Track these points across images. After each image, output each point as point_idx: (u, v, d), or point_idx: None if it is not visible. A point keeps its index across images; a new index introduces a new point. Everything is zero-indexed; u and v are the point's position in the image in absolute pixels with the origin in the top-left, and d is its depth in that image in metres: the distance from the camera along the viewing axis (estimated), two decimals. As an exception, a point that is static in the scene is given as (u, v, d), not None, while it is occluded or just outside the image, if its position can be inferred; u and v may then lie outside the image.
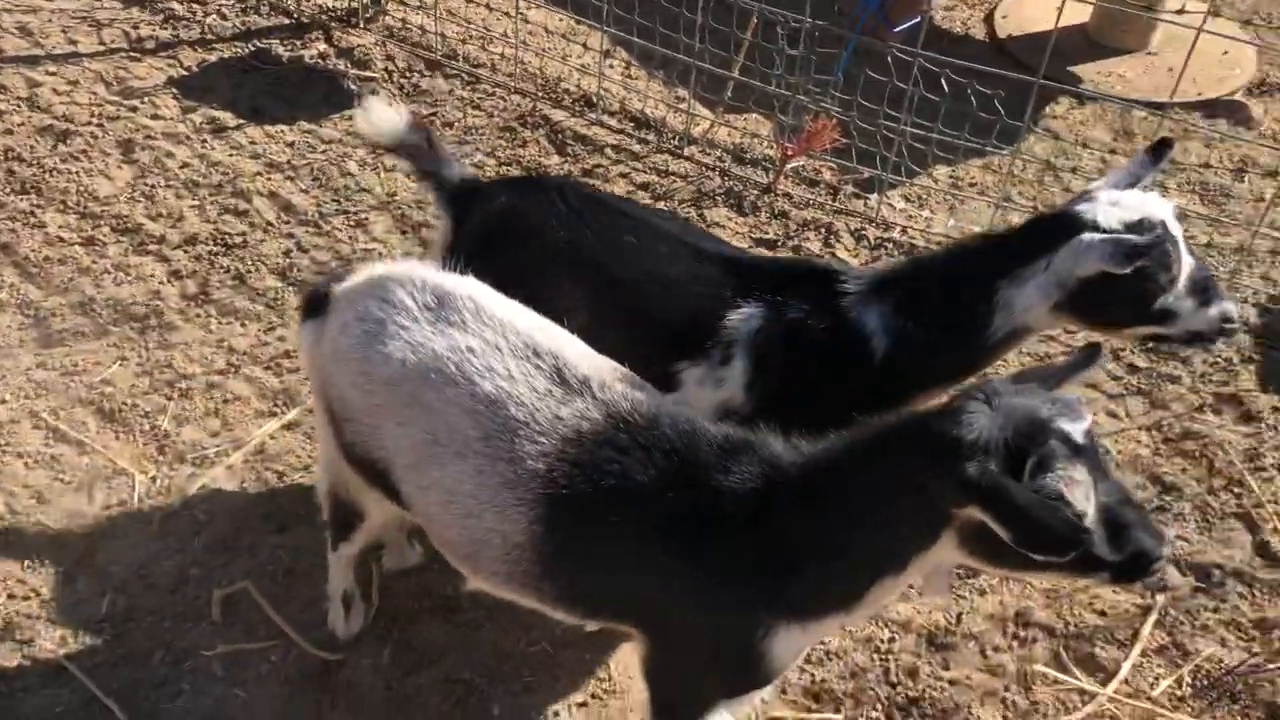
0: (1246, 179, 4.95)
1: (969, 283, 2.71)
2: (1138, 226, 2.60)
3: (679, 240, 2.86)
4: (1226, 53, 5.66)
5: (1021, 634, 3.22)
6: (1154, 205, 2.66)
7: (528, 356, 2.27)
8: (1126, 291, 2.63)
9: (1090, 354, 2.14)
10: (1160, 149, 2.85)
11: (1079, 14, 5.85)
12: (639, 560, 2.22)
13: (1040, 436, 1.87)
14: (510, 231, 2.91)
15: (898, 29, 4.18)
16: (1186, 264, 2.67)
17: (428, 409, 2.28)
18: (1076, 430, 1.91)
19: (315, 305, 2.50)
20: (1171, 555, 2.12)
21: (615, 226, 2.85)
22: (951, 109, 4.31)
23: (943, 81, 4.25)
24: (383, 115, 2.95)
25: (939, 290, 2.73)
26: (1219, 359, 4.08)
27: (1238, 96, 5.50)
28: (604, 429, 2.21)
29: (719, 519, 2.14)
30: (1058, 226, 2.67)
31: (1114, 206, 2.65)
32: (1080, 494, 1.87)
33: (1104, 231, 2.60)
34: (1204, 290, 2.70)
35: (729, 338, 2.73)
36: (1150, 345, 4.08)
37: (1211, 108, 5.44)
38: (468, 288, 2.38)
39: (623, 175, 4.69)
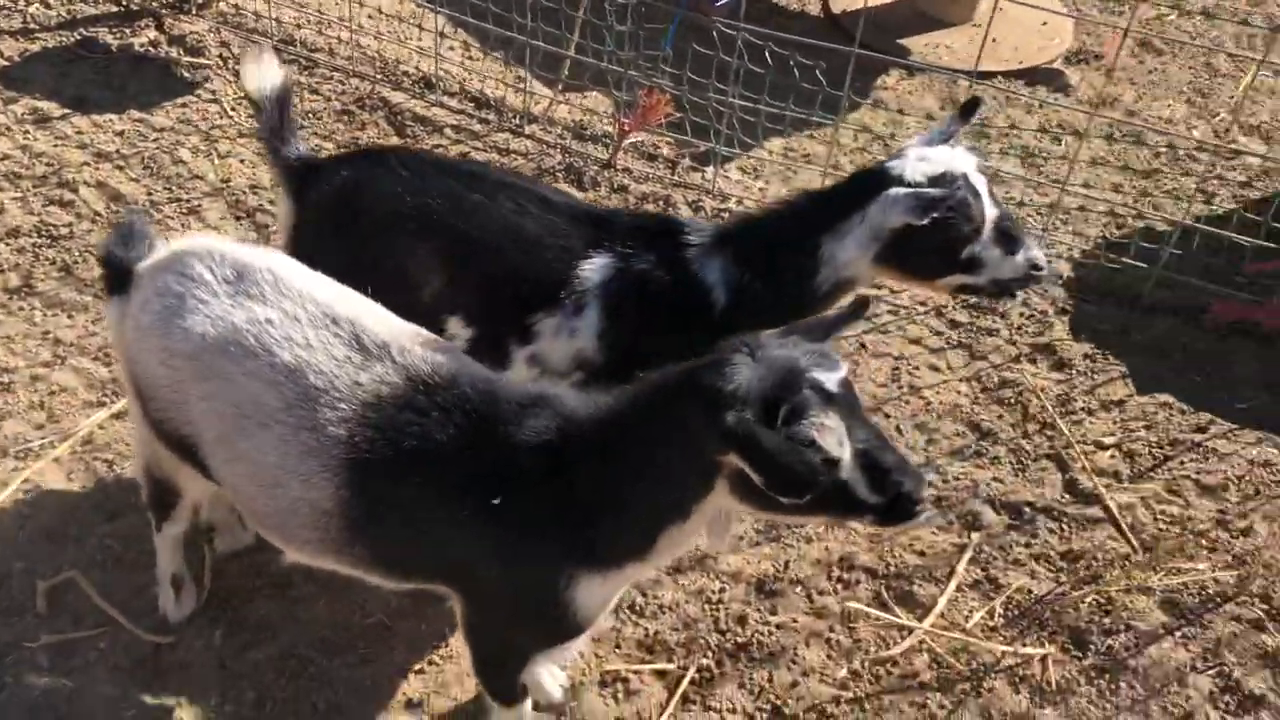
0: (1062, 142, 5.20)
1: (796, 238, 2.85)
2: (940, 180, 2.76)
3: (526, 194, 2.92)
4: (1045, 24, 5.95)
5: (845, 577, 3.37)
6: (957, 159, 2.81)
7: (326, 325, 2.30)
8: (932, 241, 2.78)
9: (856, 308, 2.24)
10: (969, 108, 3.03)
11: (908, -11, 6.08)
12: (443, 519, 2.26)
13: (794, 385, 1.96)
14: (355, 205, 2.93)
15: (719, 3, 4.29)
16: (990, 214, 2.83)
17: (230, 381, 2.29)
18: (830, 380, 2.00)
19: (119, 282, 2.48)
20: (931, 495, 2.23)
21: (460, 187, 2.89)
22: (777, 81, 4.45)
23: (767, 55, 4.39)
24: (270, 68, 2.95)
25: (770, 245, 2.87)
26: (1034, 312, 4.31)
27: (1056, 65, 5.78)
28: (404, 392, 2.25)
29: (517, 474, 2.20)
30: (870, 182, 2.82)
31: (920, 162, 2.81)
32: (832, 439, 1.96)
33: (909, 185, 2.75)
34: (1009, 239, 2.86)
35: (581, 288, 2.82)
36: (972, 300, 4.28)
37: (1032, 75, 5.70)
38: (266, 260, 2.40)
39: (463, 154, 4.72)
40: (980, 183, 2.80)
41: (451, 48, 5.26)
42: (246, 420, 2.29)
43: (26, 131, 4.52)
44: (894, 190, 2.72)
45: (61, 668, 2.93)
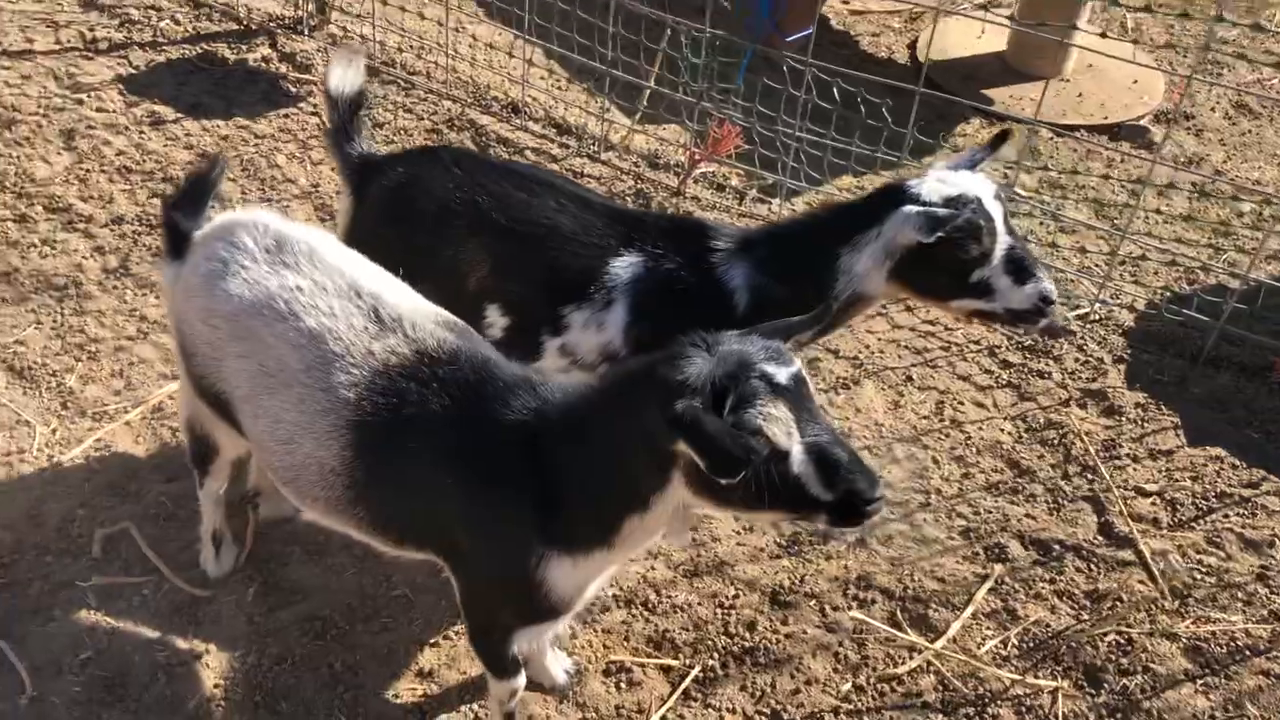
0: (1141, 197, 5.16)
1: (817, 248, 2.94)
2: (954, 201, 2.82)
3: (567, 194, 3.08)
4: (1136, 82, 5.92)
5: (861, 596, 3.39)
6: (975, 184, 2.87)
7: (350, 296, 2.47)
8: (941, 261, 2.85)
9: (817, 314, 2.28)
10: (997, 140, 3.10)
11: (998, 42, 6.12)
12: (433, 486, 2.39)
13: (743, 376, 2.02)
14: (410, 199, 3.12)
15: (790, 39, 4.41)
16: (1002, 241, 2.88)
17: (261, 342, 2.48)
18: (781, 373, 2.05)
19: (176, 247, 2.71)
20: (886, 496, 2.22)
21: (506, 185, 3.07)
22: (845, 117, 4.55)
23: (835, 91, 4.50)
24: (354, 72, 3.18)
25: (792, 253, 2.96)
26: (1090, 358, 4.28)
27: (1143, 122, 5.74)
28: (410, 363, 2.40)
29: (498, 450, 2.31)
30: (888, 198, 2.90)
31: (938, 183, 2.88)
32: (779, 429, 2.01)
33: (924, 204, 2.82)
34: (1020, 269, 2.90)
35: (611, 283, 2.94)
36: (1027, 340, 4.29)
37: (1116, 131, 5.68)
38: (305, 234, 2.59)
39: (539, 175, 4.92)
40: (995, 210, 2.85)
41: (541, 77, 5.50)
42: (271, 379, 2.47)
43: (142, 132, 4.90)
44: (908, 208, 2.80)
45: (107, 607, 3.15)
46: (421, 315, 2.49)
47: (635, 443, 2.13)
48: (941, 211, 2.78)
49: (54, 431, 3.62)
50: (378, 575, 3.29)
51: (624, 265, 2.96)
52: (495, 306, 3.08)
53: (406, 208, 3.13)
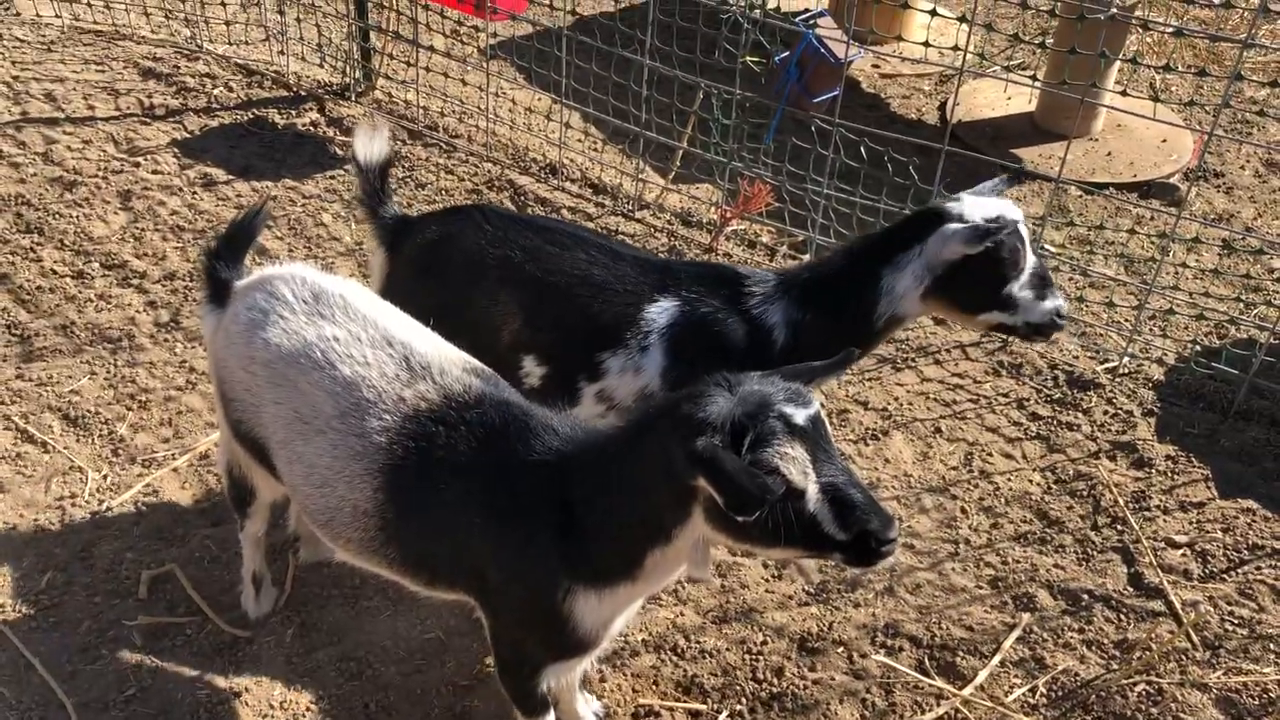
0: (1170, 252, 5.21)
1: (858, 273, 3.10)
2: (994, 220, 2.99)
3: (597, 246, 3.21)
4: (1165, 140, 6.00)
5: (889, 643, 3.41)
6: (1008, 208, 3.06)
7: (383, 346, 2.59)
8: (980, 274, 3.03)
9: (842, 359, 2.36)
10: (1013, 178, 3.35)
11: (1026, 103, 6.23)
12: (461, 525, 2.47)
13: (761, 416, 2.08)
14: (444, 255, 3.25)
15: (817, 100, 4.54)
16: (1030, 260, 3.06)
17: (297, 389, 2.60)
18: (799, 414, 2.11)
19: (217, 295, 2.84)
20: (900, 538, 2.26)
21: (537, 238, 3.20)
22: (872, 175, 4.66)
23: (862, 150, 4.61)
24: (379, 141, 3.34)
25: (834, 282, 3.11)
26: (1120, 411, 4.31)
27: (1172, 180, 5.80)
28: (438, 408, 2.50)
29: (523, 489, 2.40)
30: (929, 218, 3.07)
31: (976, 204, 3.05)
32: (795, 468, 2.07)
33: (964, 222, 3.00)
34: (1042, 285, 3.10)
35: (646, 329, 3.07)
36: (1056, 395, 4.33)
37: (1145, 189, 5.74)
38: (340, 286, 2.72)
39: (575, 233, 5.06)
40: (1025, 232, 3.02)
41: (578, 139, 5.68)
42: (307, 425, 2.58)
43: (195, 192, 5.11)
44: (952, 225, 2.99)
45: (152, 647, 3.25)
46: (449, 362, 2.60)
47: (658, 477, 2.19)
48: (990, 224, 2.95)
49: (105, 477, 3.76)
50: (411, 618, 3.37)
51: (659, 310, 3.08)
52: (531, 357, 3.19)
53: (441, 263, 3.25)
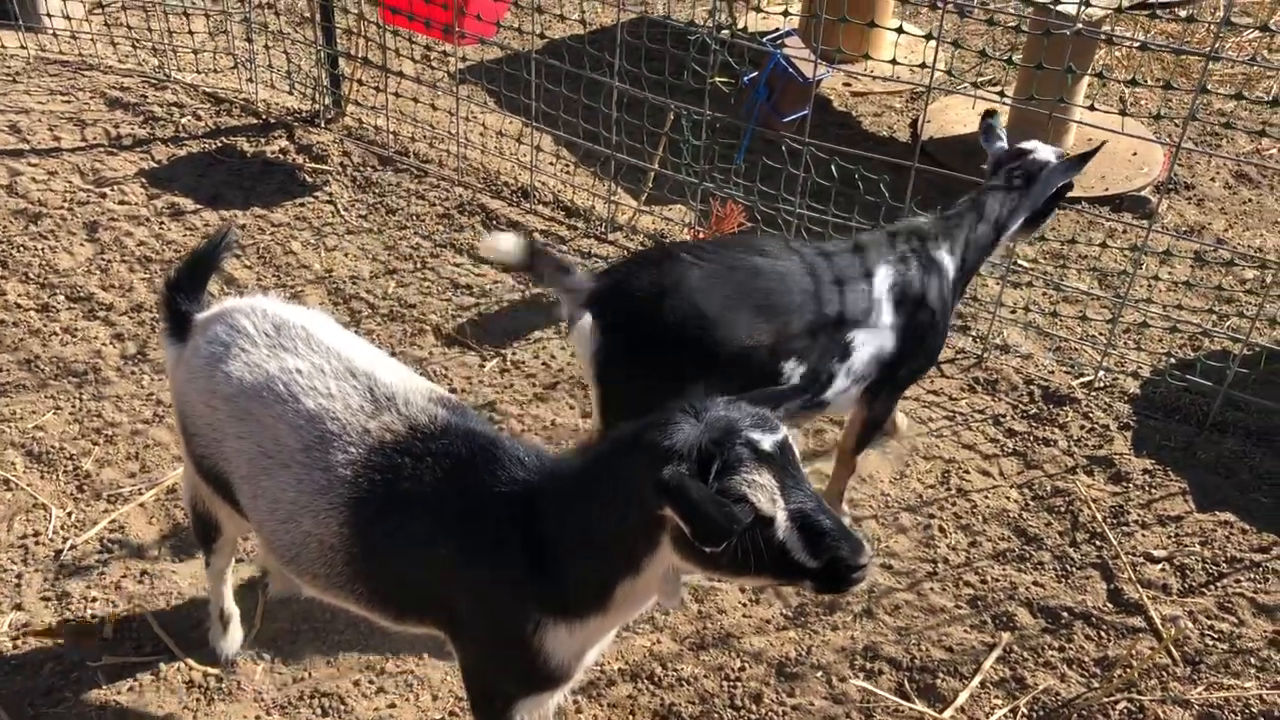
0: (1143, 264, 5.21)
1: (991, 216, 3.67)
2: (1061, 156, 3.74)
3: (799, 250, 3.41)
4: (1135, 153, 6.02)
5: (869, 666, 3.38)
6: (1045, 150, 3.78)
7: (346, 377, 2.54)
8: (1063, 190, 3.74)
9: (805, 384, 2.31)
10: (988, 114, 3.97)
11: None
12: (429, 558, 2.42)
13: (728, 443, 2.03)
14: (683, 301, 3.14)
15: (786, 119, 4.54)
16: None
17: (260, 423, 2.55)
18: (767, 440, 2.06)
19: (178, 328, 2.80)
20: (872, 562, 2.22)
21: (750, 257, 3.31)
22: (843, 193, 4.65)
23: (833, 168, 4.60)
24: (506, 242, 3.20)
25: (976, 225, 3.65)
26: (1096, 425, 4.30)
27: (1144, 192, 5.82)
28: (403, 439, 2.45)
29: (492, 520, 2.35)
30: (1027, 166, 3.72)
31: (1047, 148, 3.76)
32: (763, 496, 2.02)
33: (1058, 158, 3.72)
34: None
35: (877, 297, 3.41)
36: (1032, 410, 4.32)
37: (1117, 202, 5.75)
38: (302, 318, 2.67)
39: (547, 256, 5.03)
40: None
41: (550, 162, 5.66)
42: (270, 460, 2.53)
43: (162, 222, 5.06)
44: (1053, 161, 3.68)
45: (118, 687, 3.18)
46: (414, 392, 2.56)
47: (625, 507, 2.15)
48: (1077, 158, 3.69)
49: (69, 514, 3.69)
50: (384, 651, 3.31)
51: (880, 279, 3.42)
52: (790, 361, 3.30)
53: (683, 308, 3.15)
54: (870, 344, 3.40)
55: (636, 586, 2.25)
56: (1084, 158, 3.69)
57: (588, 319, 3.20)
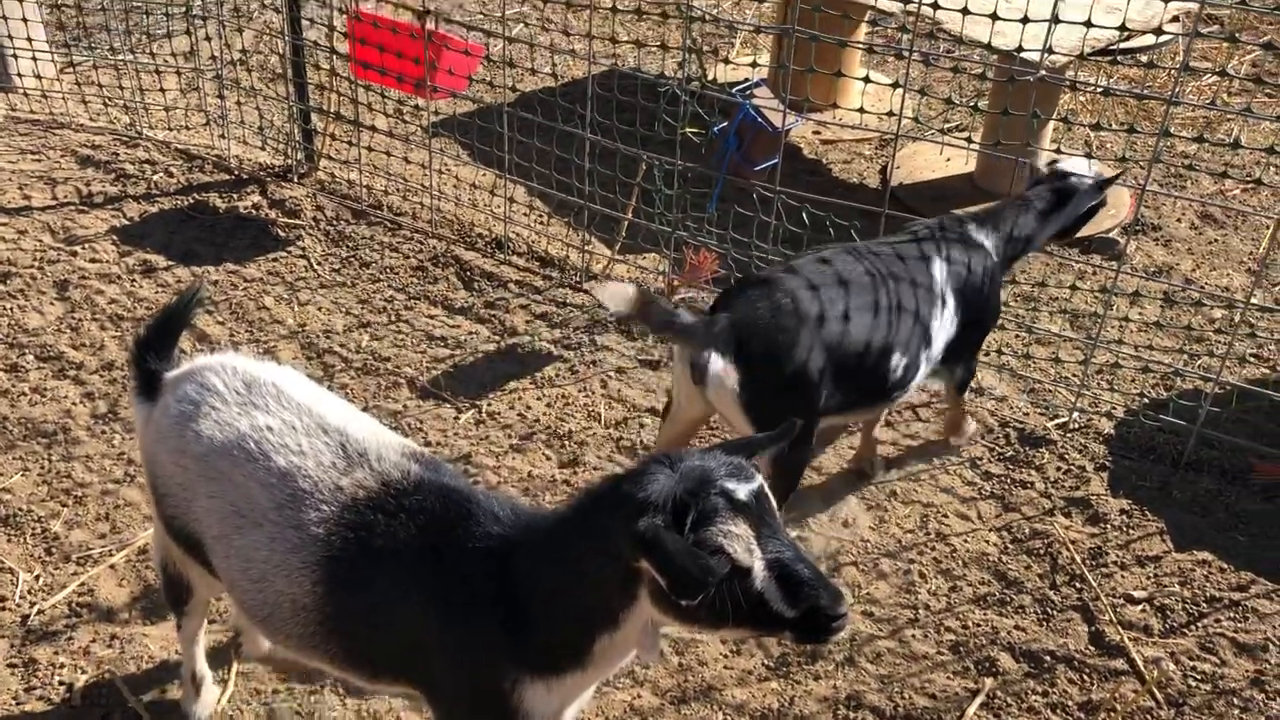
0: (1114, 305, 5.26)
1: (1028, 222, 4.04)
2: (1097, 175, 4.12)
3: (877, 251, 3.71)
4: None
5: (852, 715, 3.34)
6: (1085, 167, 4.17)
7: (318, 433, 2.52)
8: (1093, 211, 4.12)
9: (783, 431, 2.31)
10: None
11: (966, 164, 6.33)
12: (403, 616, 2.39)
13: (703, 493, 2.02)
14: (803, 322, 3.36)
15: (757, 168, 4.58)
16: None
17: (232, 482, 2.52)
18: (742, 489, 2.03)
19: (148, 387, 2.77)
20: (851, 611, 2.21)
21: (843, 265, 3.57)
22: (821, 240, 4.68)
23: (804, 215, 4.64)
24: (617, 293, 3.23)
25: (1016, 225, 4.02)
26: (1072, 467, 4.31)
27: (1112, 234, 5.88)
28: (376, 496, 2.43)
29: (467, 577, 2.32)
30: (1065, 189, 4.08)
31: (1086, 169, 4.13)
32: (740, 546, 2.00)
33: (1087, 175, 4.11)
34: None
35: (942, 288, 3.73)
36: (1009, 453, 4.33)
37: (1086, 244, 5.81)
38: (273, 374, 2.65)
39: (523, 306, 5.04)
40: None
41: (523, 213, 5.67)
42: (242, 519, 2.50)
43: (134, 280, 5.03)
44: (1088, 181, 4.04)
45: (85, 756, 3.11)
46: (387, 447, 2.53)
47: (602, 561, 2.13)
48: (1101, 178, 4.10)
49: (37, 578, 3.63)
50: (362, 712, 3.25)
51: (939, 270, 3.73)
52: (895, 354, 3.59)
53: (801, 332, 3.35)
54: (943, 328, 3.73)
55: (615, 641, 2.22)
56: (1109, 181, 4.07)
57: (718, 360, 3.30)
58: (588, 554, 2.16)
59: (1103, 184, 4.04)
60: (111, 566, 3.68)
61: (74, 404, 4.33)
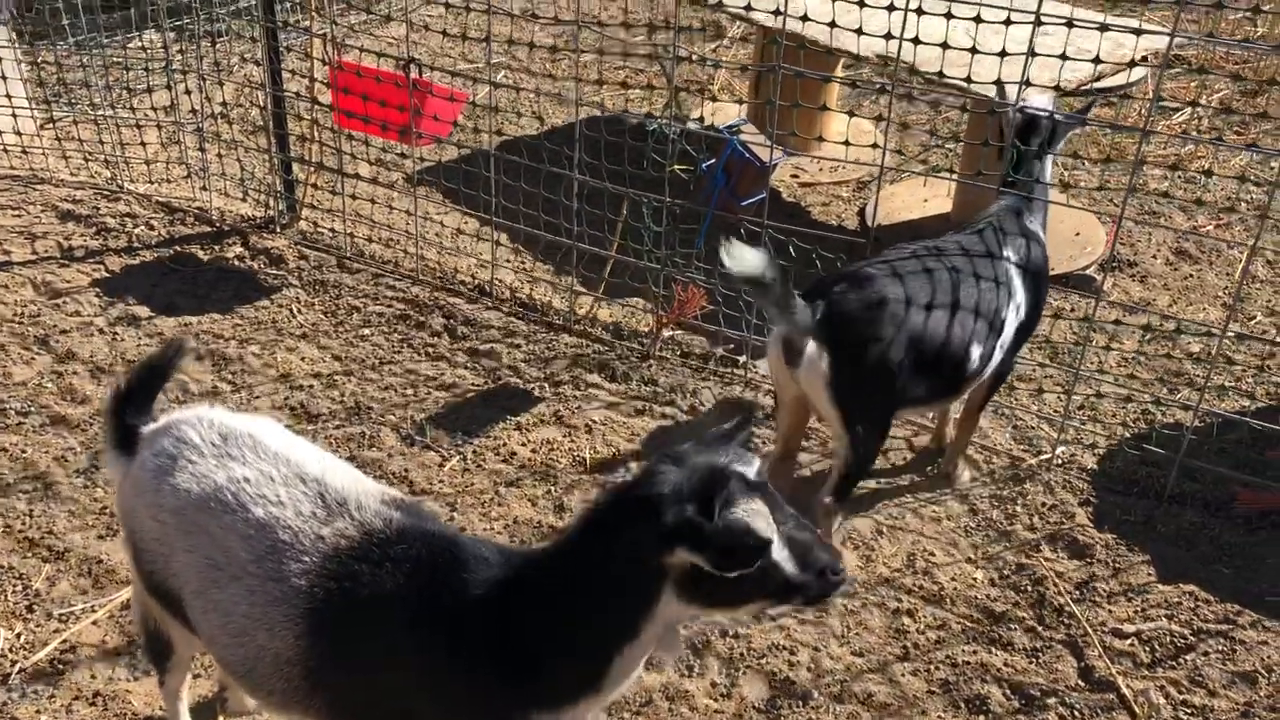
0: (1092, 340, 5.30)
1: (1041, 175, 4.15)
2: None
3: (958, 242, 3.89)
4: (1079, 233, 6.17)
5: (844, 756, 3.33)
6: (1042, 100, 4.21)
7: (296, 483, 2.51)
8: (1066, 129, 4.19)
9: (743, 421, 2.41)
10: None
11: (943, 204, 6.40)
12: (395, 666, 2.37)
13: (721, 479, 2.15)
14: (894, 310, 3.57)
15: (745, 203, 4.62)
16: None
17: (210, 536, 2.50)
18: (750, 471, 2.22)
19: (125, 442, 2.75)
20: (851, 571, 2.44)
21: (924, 259, 3.76)
22: (807, 275, 4.72)
23: (791, 249, 4.68)
24: (746, 254, 3.36)
25: (1036, 185, 4.14)
26: (1057, 501, 4.32)
27: (1089, 271, 5.95)
28: (359, 545, 2.42)
29: (460, 622, 2.32)
30: (1034, 123, 4.12)
31: (1041, 100, 4.17)
32: (762, 522, 2.16)
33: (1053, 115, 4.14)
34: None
35: (1010, 277, 3.90)
36: (991, 490, 4.34)
37: (1064, 281, 5.87)
38: (249, 425, 2.65)
39: (508, 350, 5.05)
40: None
41: (508, 259, 5.70)
42: (221, 573, 2.48)
43: (116, 333, 5.02)
44: (1055, 115, 4.10)
45: (68, 816, 3.06)
46: (366, 495, 2.53)
47: (622, 570, 2.19)
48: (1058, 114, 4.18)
49: (19, 636, 3.59)
50: (349, 765, 3.22)
51: (1007, 260, 3.90)
52: (974, 346, 3.77)
53: (892, 324, 3.56)
54: (1013, 318, 3.87)
55: (634, 651, 2.28)
56: (1084, 111, 4.27)
57: (813, 346, 3.55)
58: (605, 567, 2.22)
59: (1076, 115, 4.23)
60: (94, 623, 3.64)
61: (57, 458, 4.30)
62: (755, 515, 2.15)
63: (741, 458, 2.24)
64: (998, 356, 3.92)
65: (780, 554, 2.20)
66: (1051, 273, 5.81)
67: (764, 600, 2.26)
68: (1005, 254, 3.90)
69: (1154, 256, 6.15)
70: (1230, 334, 5.26)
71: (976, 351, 3.77)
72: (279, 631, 2.42)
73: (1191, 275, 6.00)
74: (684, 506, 2.11)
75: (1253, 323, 5.59)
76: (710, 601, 2.24)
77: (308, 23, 5.69)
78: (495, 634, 2.30)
